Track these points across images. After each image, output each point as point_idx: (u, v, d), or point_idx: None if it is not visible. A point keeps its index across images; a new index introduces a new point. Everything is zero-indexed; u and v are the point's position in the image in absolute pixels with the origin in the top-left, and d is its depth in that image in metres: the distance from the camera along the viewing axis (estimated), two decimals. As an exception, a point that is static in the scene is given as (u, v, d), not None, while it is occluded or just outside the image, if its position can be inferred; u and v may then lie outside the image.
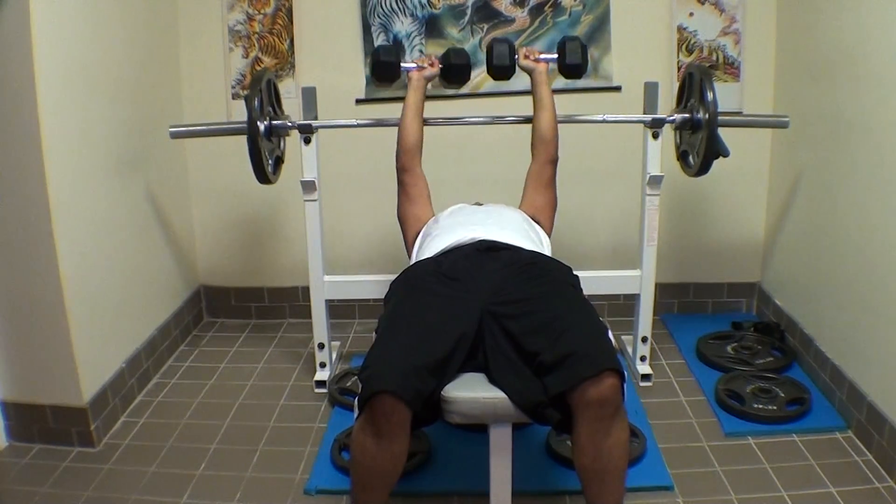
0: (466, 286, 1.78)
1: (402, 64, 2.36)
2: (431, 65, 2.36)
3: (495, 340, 1.67)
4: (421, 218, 2.22)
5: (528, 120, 2.46)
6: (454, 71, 2.36)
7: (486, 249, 1.92)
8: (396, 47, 2.38)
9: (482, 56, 2.91)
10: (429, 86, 2.39)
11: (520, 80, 2.93)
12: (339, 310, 3.09)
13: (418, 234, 2.18)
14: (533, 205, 2.25)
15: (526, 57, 2.35)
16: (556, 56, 2.35)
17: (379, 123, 2.58)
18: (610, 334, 1.69)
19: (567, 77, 2.40)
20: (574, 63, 2.34)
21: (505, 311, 1.70)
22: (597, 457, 1.55)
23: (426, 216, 2.23)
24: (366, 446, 1.56)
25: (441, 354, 1.60)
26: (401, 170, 2.29)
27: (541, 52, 2.36)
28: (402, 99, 2.96)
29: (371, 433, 1.54)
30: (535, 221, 2.19)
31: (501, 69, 2.37)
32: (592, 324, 1.67)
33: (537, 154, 2.31)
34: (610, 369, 1.51)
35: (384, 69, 2.34)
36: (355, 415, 1.58)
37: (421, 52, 2.92)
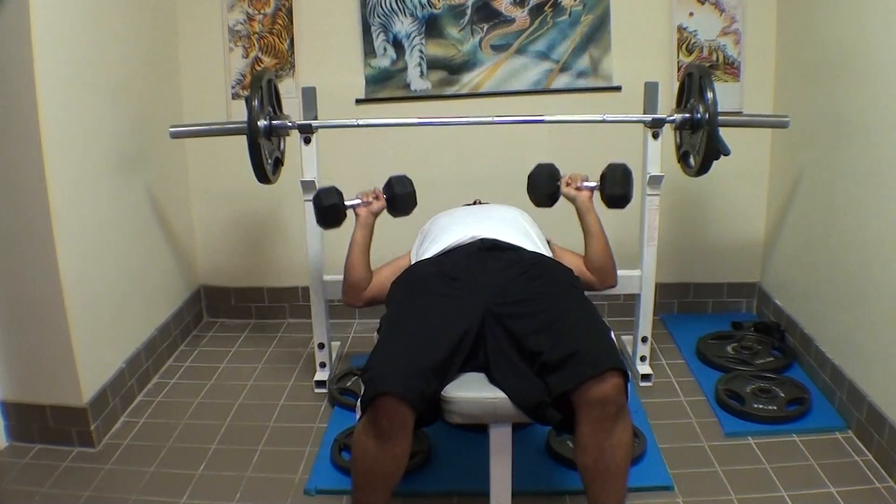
0: (468, 286, 1.79)
1: (346, 202, 2.20)
2: (377, 198, 2.20)
3: (497, 340, 1.68)
4: (402, 265, 2.13)
5: (528, 121, 2.46)
6: (399, 200, 2.19)
7: (488, 249, 1.92)
8: (334, 186, 2.15)
9: (482, 56, 2.92)
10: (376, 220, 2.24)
11: (519, 81, 2.94)
12: (339, 310, 3.08)
13: (412, 251, 2.17)
14: (558, 255, 2.16)
15: (568, 185, 2.22)
16: (598, 184, 2.22)
17: (379, 123, 2.58)
18: (612, 335, 1.69)
19: (609, 207, 2.24)
20: (616, 195, 2.19)
21: (507, 312, 1.70)
22: (599, 456, 1.55)
23: (402, 262, 2.16)
24: (368, 448, 1.56)
25: (443, 355, 1.61)
26: (352, 305, 2.22)
27: (584, 179, 2.22)
28: (401, 99, 2.98)
29: (373, 434, 1.54)
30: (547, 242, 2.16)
31: (542, 200, 2.26)
32: (595, 324, 1.67)
33: (592, 272, 2.18)
34: (614, 369, 1.51)
35: (327, 213, 2.18)
36: (357, 416, 1.58)
37: (421, 52, 2.92)
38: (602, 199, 2.23)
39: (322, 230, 2.52)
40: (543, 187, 2.25)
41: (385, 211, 2.22)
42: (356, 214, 2.22)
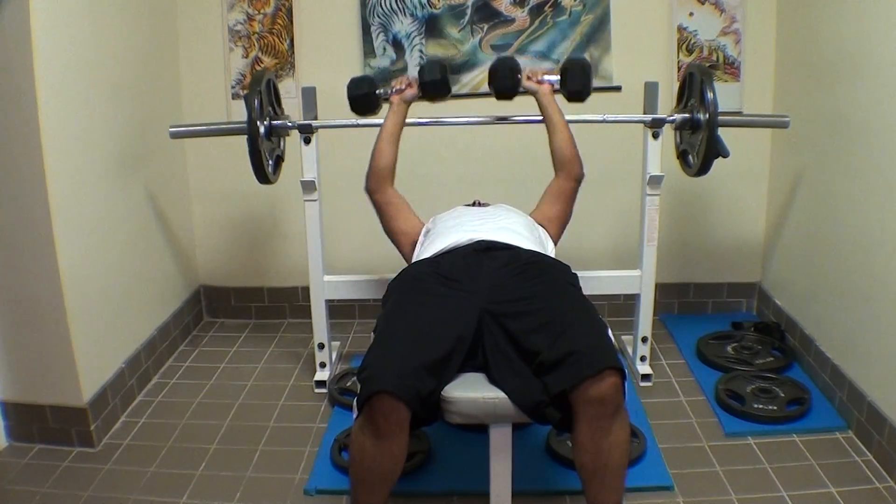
0: (465, 286, 1.78)
1: (378, 91, 2.28)
2: (409, 85, 2.28)
3: (495, 340, 1.67)
4: (409, 231, 2.19)
5: (527, 121, 2.46)
6: (431, 87, 2.26)
7: (485, 249, 1.92)
8: (369, 76, 2.27)
9: (482, 56, 2.92)
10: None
11: (520, 80, 2.93)
12: (339, 310, 3.09)
13: (415, 242, 2.17)
14: (545, 215, 2.21)
15: (529, 78, 2.30)
16: (558, 77, 2.30)
17: (379, 123, 2.57)
18: (610, 333, 1.69)
19: (570, 100, 2.32)
20: (575, 89, 2.27)
21: (504, 311, 1.70)
22: (597, 455, 1.55)
23: (413, 228, 2.19)
24: (365, 447, 1.56)
25: (439, 354, 1.60)
26: (370, 191, 2.24)
27: (545, 73, 2.31)
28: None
29: (370, 433, 1.54)
30: (543, 228, 2.17)
31: (503, 90, 2.32)
32: (593, 322, 1.67)
33: (560, 173, 2.25)
34: (611, 368, 1.51)
35: (361, 102, 2.27)
36: (354, 415, 1.58)
37: (421, 52, 2.92)
38: (562, 92, 2.31)
39: (320, 231, 2.53)
40: (507, 80, 2.30)
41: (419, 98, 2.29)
42: (389, 102, 2.28)
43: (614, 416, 1.53)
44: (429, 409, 1.61)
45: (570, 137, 2.24)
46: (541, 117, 2.32)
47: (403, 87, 2.28)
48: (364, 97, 2.27)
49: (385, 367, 1.54)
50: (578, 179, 2.24)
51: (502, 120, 2.57)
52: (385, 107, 2.32)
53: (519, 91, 2.33)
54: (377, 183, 2.23)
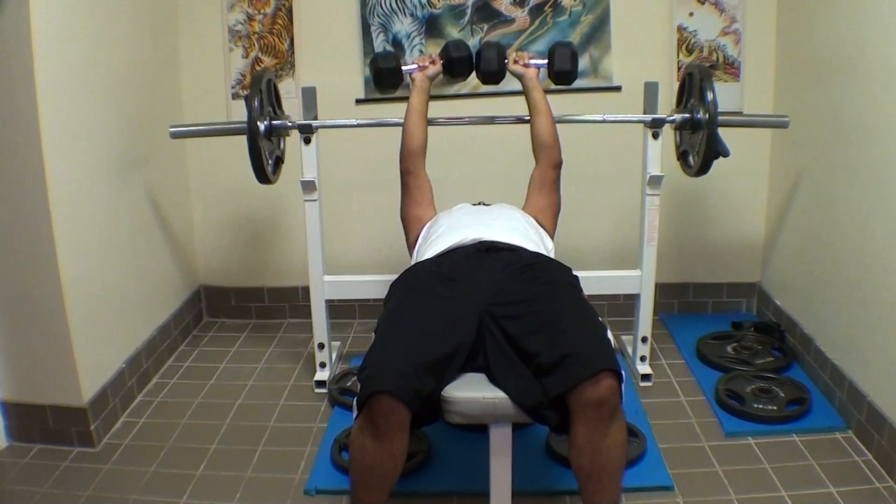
0: (466, 287, 1.78)
1: (402, 67, 2.33)
2: (433, 62, 2.32)
3: (495, 341, 1.67)
4: (423, 219, 2.21)
5: (527, 121, 2.46)
6: (456, 64, 2.31)
7: (487, 250, 1.92)
8: (393, 51, 2.31)
9: (482, 56, 2.92)
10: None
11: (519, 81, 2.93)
12: (339, 310, 3.09)
13: (419, 235, 2.18)
14: (535, 206, 2.24)
15: (515, 62, 2.32)
16: (545, 61, 2.32)
17: (379, 123, 2.58)
18: (609, 334, 1.69)
19: (557, 83, 2.36)
20: (563, 70, 2.29)
21: (504, 313, 1.70)
22: (594, 457, 1.55)
23: (428, 217, 2.22)
24: (365, 447, 1.56)
25: (440, 354, 1.60)
26: (405, 172, 2.26)
27: (531, 57, 2.33)
28: (401, 99, 2.96)
29: (370, 433, 1.54)
30: (539, 224, 2.18)
31: (490, 74, 2.34)
32: (591, 324, 1.67)
33: (540, 159, 2.28)
34: (607, 370, 1.50)
35: (386, 76, 2.30)
36: (354, 415, 1.58)
37: (421, 52, 2.92)
38: (549, 75, 2.33)
39: (320, 231, 2.53)
40: (493, 64, 2.32)
41: (442, 76, 2.33)
42: (412, 80, 2.30)
43: (611, 419, 1.53)
44: (429, 410, 1.61)
45: (552, 123, 2.28)
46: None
47: (427, 63, 2.31)
48: (390, 71, 2.29)
49: (385, 368, 1.54)
50: (557, 166, 2.26)
51: (502, 120, 2.57)
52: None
53: (504, 75, 2.36)
54: (412, 163, 2.25)
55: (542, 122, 2.27)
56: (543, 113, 2.28)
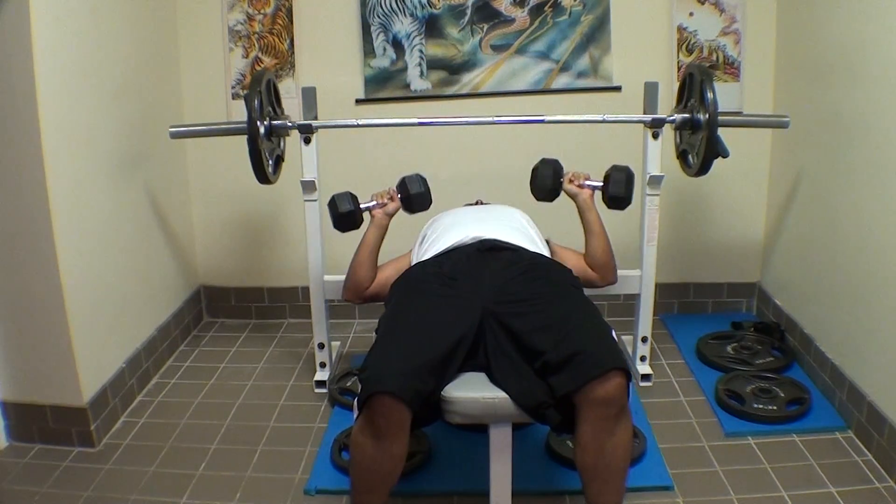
0: (468, 286, 1.79)
1: (361, 205, 2.24)
2: (391, 199, 2.23)
3: (497, 340, 1.68)
4: (400, 269, 2.12)
5: (527, 121, 2.46)
6: (415, 199, 2.23)
7: (488, 249, 1.92)
8: (349, 192, 2.20)
9: (482, 56, 2.92)
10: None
11: (519, 81, 2.94)
12: (339, 310, 3.09)
13: (412, 252, 2.17)
14: (559, 256, 2.17)
15: (571, 181, 2.24)
16: (601, 183, 2.24)
17: (379, 123, 2.58)
18: (614, 334, 1.69)
19: (610, 208, 2.27)
20: (617, 195, 2.22)
21: (508, 311, 1.70)
22: (599, 456, 1.55)
23: (403, 263, 2.16)
24: (365, 447, 1.56)
25: (440, 355, 1.61)
26: (351, 301, 2.24)
27: (587, 178, 2.25)
28: (401, 99, 2.98)
29: (370, 434, 1.55)
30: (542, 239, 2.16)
31: (544, 191, 2.27)
32: (597, 324, 1.67)
33: (593, 269, 2.21)
34: (617, 368, 1.51)
35: (345, 220, 2.23)
36: (355, 415, 1.58)
37: (421, 52, 2.92)
38: (603, 198, 2.25)
39: (320, 231, 2.52)
40: (548, 182, 2.27)
41: (401, 210, 2.25)
42: (371, 216, 2.24)
43: (618, 417, 1.54)
44: (429, 410, 1.62)
45: (608, 245, 2.21)
46: (539, 117, 2.32)
47: (385, 201, 2.23)
48: (349, 215, 2.22)
49: (386, 368, 1.54)
50: (606, 284, 2.23)
51: (501, 120, 2.56)
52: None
53: (559, 193, 2.28)
54: (356, 294, 2.21)
55: (597, 244, 2.20)
56: (598, 235, 2.20)
